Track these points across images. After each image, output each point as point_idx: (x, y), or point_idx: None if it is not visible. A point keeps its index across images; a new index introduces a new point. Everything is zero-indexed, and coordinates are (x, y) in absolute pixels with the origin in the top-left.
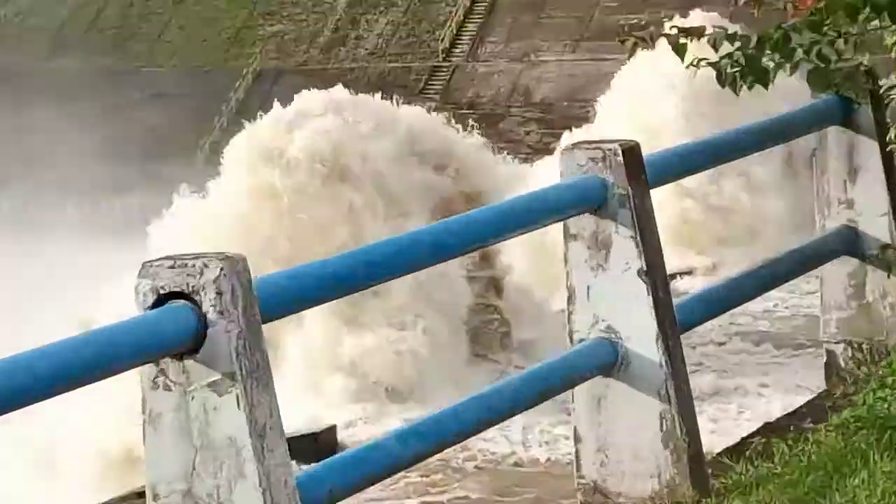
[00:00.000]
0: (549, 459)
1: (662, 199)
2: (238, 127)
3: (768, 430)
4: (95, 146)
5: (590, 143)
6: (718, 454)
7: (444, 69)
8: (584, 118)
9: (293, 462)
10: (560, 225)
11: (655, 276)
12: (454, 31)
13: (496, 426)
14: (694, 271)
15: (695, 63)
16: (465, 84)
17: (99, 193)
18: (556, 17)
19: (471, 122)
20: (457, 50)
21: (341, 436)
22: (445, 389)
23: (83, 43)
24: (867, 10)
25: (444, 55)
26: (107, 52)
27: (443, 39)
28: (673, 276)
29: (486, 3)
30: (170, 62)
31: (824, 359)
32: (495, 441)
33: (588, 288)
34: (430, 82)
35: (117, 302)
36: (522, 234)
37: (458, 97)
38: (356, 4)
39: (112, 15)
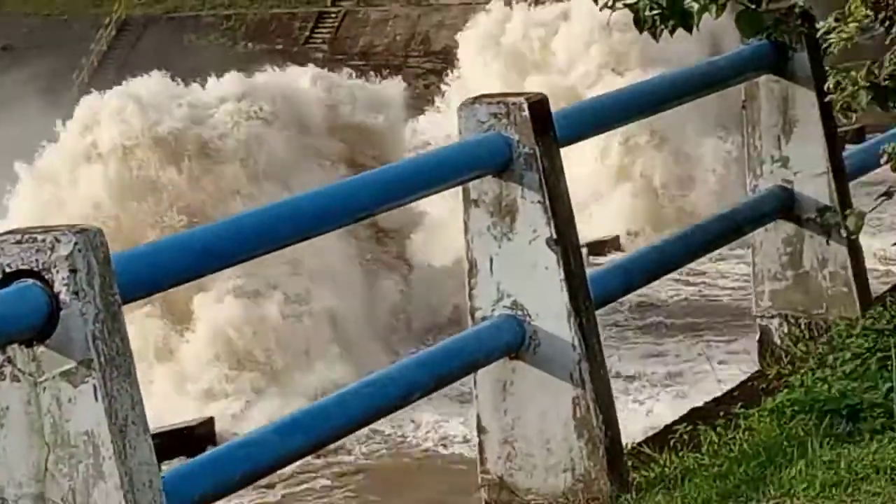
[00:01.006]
0: (449, 452)
1: None
2: (101, 83)
3: (695, 416)
4: None
5: (492, 96)
6: (639, 444)
7: (333, 15)
8: None
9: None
10: (458, 190)
11: (567, 244)
12: None
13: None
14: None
15: (609, 4)
16: (356, 32)
17: None
18: None
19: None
20: None
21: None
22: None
23: None
24: None
25: (332, 1)
26: None
27: None
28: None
29: None
30: (23, 10)
31: (757, 336)
32: (385, 432)
33: (491, 259)
34: (316, 30)
35: None
36: (416, 200)
37: (349, 47)
38: None
39: None
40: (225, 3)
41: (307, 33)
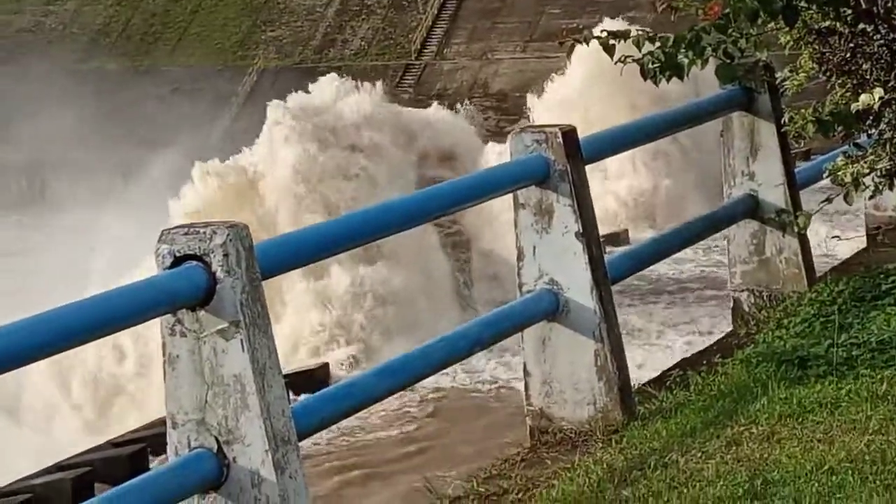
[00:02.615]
0: (501, 389)
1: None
2: (246, 117)
3: (685, 364)
4: (126, 134)
5: (534, 127)
6: (643, 385)
7: (416, 66)
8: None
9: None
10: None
11: (590, 236)
12: (424, 35)
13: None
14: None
15: (622, 60)
16: (433, 79)
17: (130, 172)
18: (509, 22)
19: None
20: (427, 50)
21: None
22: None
23: (115, 47)
24: (765, 14)
25: (416, 55)
26: (135, 55)
27: (415, 41)
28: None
29: (450, 11)
30: (188, 62)
31: (731, 305)
32: (453, 376)
33: (534, 248)
34: (404, 77)
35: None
36: (480, 203)
37: (428, 90)
38: (342, 13)
39: (139, 23)
40: (336, 58)
41: (397, 80)
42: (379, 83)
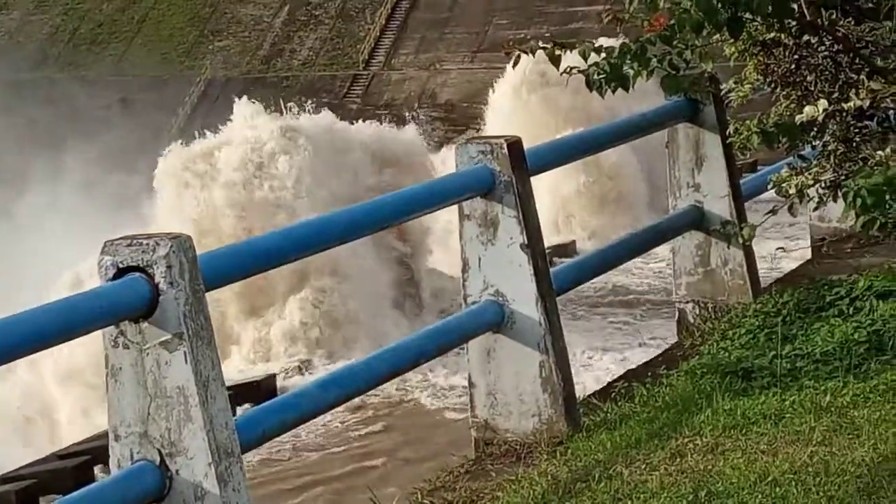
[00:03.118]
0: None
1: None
2: (192, 126)
3: (630, 375)
4: (73, 143)
5: (480, 138)
6: (588, 396)
7: (364, 77)
8: (480, 117)
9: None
10: (455, 207)
11: (535, 248)
12: (372, 46)
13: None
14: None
15: (567, 71)
16: (381, 89)
17: (78, 180)
18: (457, 32)
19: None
20: (374, 60)
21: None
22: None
23: (62, 57)
24: (710, 26)
25: (363, 65)
26: (82, 65)
27: (363, 52)
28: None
29: (398, 22)
30: (134, 72)
31: (676, 316)
32: (396, 388)
33: (479, 259)
34: (352, 88)
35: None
36: (426, 214)
37: (376, 100)
38: (290, 23)
39: (86, 32)
40: (284, 68)
41: (345, 90)
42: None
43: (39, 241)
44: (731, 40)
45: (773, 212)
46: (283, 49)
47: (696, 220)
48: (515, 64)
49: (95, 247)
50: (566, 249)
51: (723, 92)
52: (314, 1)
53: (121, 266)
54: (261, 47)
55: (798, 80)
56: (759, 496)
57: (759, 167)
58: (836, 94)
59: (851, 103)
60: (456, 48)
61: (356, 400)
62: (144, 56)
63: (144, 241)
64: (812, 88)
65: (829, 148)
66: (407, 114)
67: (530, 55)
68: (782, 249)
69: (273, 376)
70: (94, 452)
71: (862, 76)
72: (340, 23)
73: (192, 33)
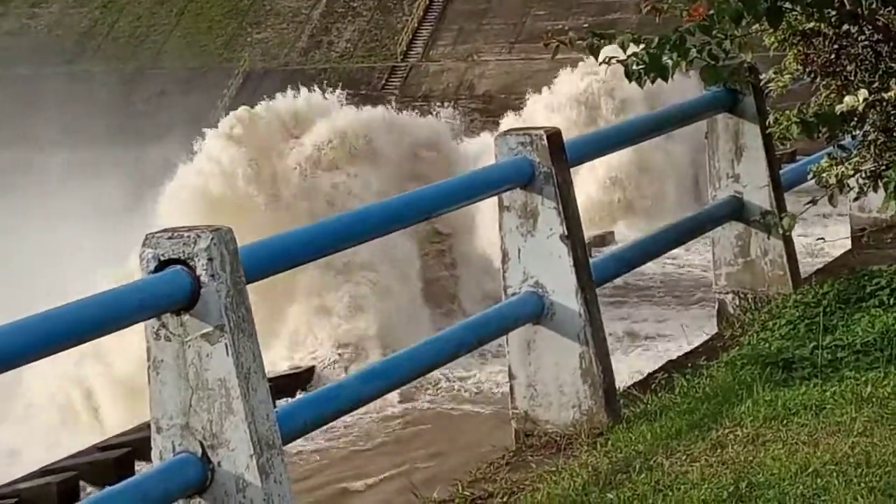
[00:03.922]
0: (489, 392)
1: None
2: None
3: (670, 366)
4: (114, 134)
5: (519, 129)
6: (628, 387)
7: (402, 68)
8: (518, 108)
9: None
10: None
11: (574, 239)
12: (410, 37)
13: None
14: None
15: (606, 61)
16: (419, 80)
17: (115, 173)
18: (495, 24)
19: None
20: (412, 52)
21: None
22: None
23: (101, 50)
24: (749, 16)
25: (401, 57)
26: (121, 58)
27: (400, 43)
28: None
29: (436, 13)
30: (173, 65)
31: (716, 307)
32: (441, 377)
33: (519, 250)
34: (390, 79)
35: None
36: (466, 205)
37: (414, 91)
38: (328, 15)
39: (125, 25)
40: (322, 59)
41: (383, 81)
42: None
43: (83, 237)
44: (771, 30)
45: (814, 202)
46: (321, 41)
47: (736, 210)
48: (555, 55)
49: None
50: (604, 240)
51: (762, 82)
52: None
53: (162, 259)
54: (299, 39)
55: (838, 69)
56: (800, 487)
57: (797, 157)
58: (876, 84)
59: (892, 93)
60: (494, 39)
61: (393, 393)
62: (183, 48)
63: (185, 234)
64: (852, 78)
65: (870, 138)
66: (439, 107)
67: (569, 46)
68: (823, 240)
69: (312, 368)
70: (135, 444)
71: None
72: (378, 14)
73: (231, 25)
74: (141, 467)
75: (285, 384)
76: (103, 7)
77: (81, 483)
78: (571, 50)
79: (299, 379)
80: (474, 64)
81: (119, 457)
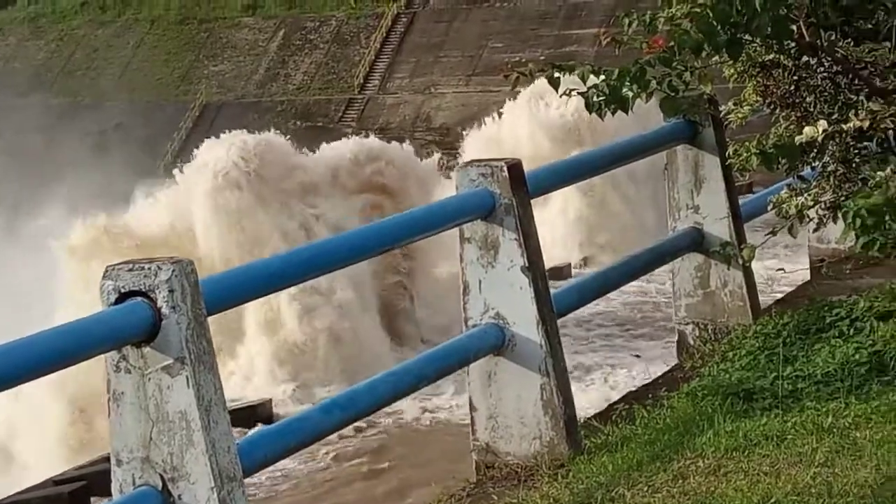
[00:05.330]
0: (448, 423)
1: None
2: (187, 151)
3: (631, 398)
4: (67, 168)
5: (480, 161)
6: (589, 419)
7: (359, 101)
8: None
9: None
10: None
11: (535, 270)
12: (367, 69)
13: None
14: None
15: (567, 93)
16: (376, 112)
17: (72, 205)
18: (452, 56)
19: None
20: (369, 85)
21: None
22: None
23: (57, 81)
24: (709, 47)
25: (358, 89)
26: (77, 90)
27: (358, 76)
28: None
29: (393, 45)
30: (130, 97)
31: (676, 338)
32: (402, 409)
33: (480, 282)
34: (347, 111)
35: None
36: (427, 237)
37: (371, 124)
38: (285, 48)
39: (81, 57)
40: (279, 92)
41: (340, 114)
42: None
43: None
44: (731, 62)
45: (773, 233)
46: (278, 73)
47: (696, 241)
48: (514, 86)
49: None
50: (561, 272)
51: (722, 113)
52: (309, 25)
53: (122, 291)
54: (256, 72)
55: (797, 101)
56: None
57: (754, 189)
58: (835, 115)
59: (851, 124)
60: (451, 71)
61: (357, 423)
62: (140, 81)
63: (146, 266)
64: (811, 109)
65: (829, 169)
66: (394, 139)
67: (528, 77)
68: (782, 270)
69: (269, 401)
70: (90, 478)
71: (861, 97)
72: (335, 47)
73: (188, 58)
74: (96, 501)
75: (243, 417)
76: (60, 40)
77: None
78: (529, 82)
79: (255, 412)
80: (431, 96)
81: (73, 490)
